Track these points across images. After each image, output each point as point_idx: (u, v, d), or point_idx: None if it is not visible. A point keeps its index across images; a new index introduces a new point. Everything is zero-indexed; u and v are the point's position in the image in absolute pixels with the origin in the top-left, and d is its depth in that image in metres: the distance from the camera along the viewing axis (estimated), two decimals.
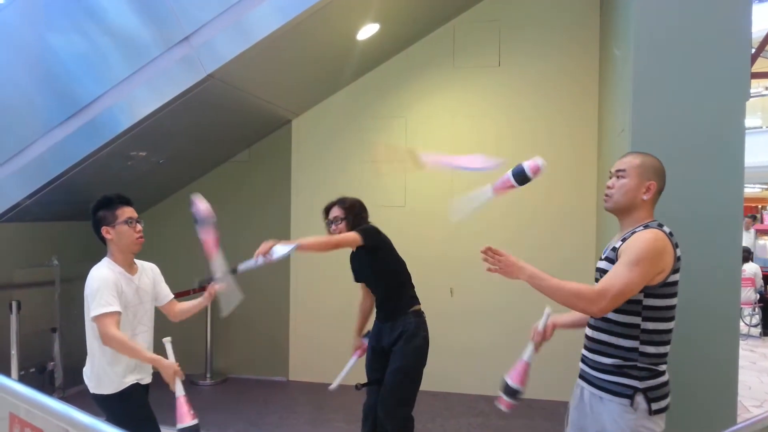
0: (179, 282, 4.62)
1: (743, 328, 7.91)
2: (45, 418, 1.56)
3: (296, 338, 5.37)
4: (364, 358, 3.32)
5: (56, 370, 4.70)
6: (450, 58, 4.98)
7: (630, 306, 1.86)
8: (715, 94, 2.59)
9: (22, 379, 4.03)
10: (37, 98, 3.98)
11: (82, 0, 3.78)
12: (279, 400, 4.83)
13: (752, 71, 3.83)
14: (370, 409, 3.15)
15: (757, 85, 14.66)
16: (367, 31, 4.34)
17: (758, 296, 8.23)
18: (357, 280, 3.28)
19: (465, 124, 4.96)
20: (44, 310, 4.67)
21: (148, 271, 2.62)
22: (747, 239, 10.57)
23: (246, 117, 4.89)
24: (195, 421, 2.24)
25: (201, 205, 2.52)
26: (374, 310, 3.27)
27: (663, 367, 1.91)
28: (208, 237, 2.51)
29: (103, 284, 2.33)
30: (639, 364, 1.87)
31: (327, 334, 5.21)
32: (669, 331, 1.92)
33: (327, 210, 3.19)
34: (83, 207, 2.51)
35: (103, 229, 2.44)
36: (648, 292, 1.85)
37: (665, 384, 1.91)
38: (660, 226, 1.91)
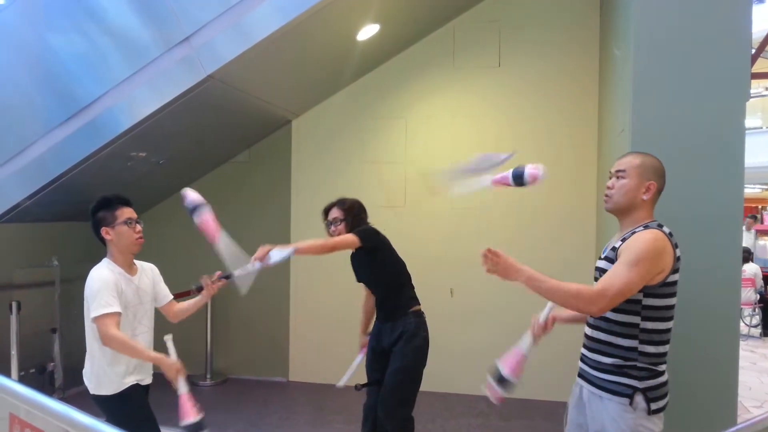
0: (179, 283, 4.61)
1: (743, 328, 7.91)
2: (45, 418, 1.56)
3: (296, 339, 5.37)
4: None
5: (56, 370, 4.70)
6: (450, 58, 4.98)
7: (629, 305, 1.87)
8: (715, 94, 2.59)
9: (22, 380, 4.01)
10: (38, 98, 3.98)
11: (82, 0, 3.78)
12: (279, 401, 4.83)
13: (752, 71, 3.83)
14: (370, 410, 3.15)
15: (757, 86, 14.66)
16: (367, 31, 4.34)
17: (758, 297, 8.22)
18: (358, 280, 3.29)
19: (465, 124, 4.96)
20: (44, 310, 4.67)
21: (148, 271, 2.62)
22: (747, 240, 10.57)
23: (246, 117, 4.89)
24: (200, 416, 2.22)
25: (190, 194, 2.53)
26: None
27: (662, 367, 1.92)
28: (205, 222, 2.51)
29: (103, 285, 2.33)
30: (639, 364, 1.87)
31: (327, 335, 5.21)
32: (668, 330, 1.92)
33: (326, 211, 3.19)
34: (83, 207, 2.51)
35: (103, 230, 2.44)
36: (647, 291, 1.85)
37: (664, 384, 1.92)
38: (660, 226, 1.92)
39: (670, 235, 1.89)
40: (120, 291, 2.38)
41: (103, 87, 3.82)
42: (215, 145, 5.19)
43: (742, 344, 6.88)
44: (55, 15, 3.85)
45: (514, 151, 2.28)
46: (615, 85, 3.61)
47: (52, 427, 1.52)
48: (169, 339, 2.42)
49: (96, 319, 2.28)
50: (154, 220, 5.16)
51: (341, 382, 3.31)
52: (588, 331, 2.03)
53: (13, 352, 4.17)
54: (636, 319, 1.87)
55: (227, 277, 2.61)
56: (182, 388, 2.26)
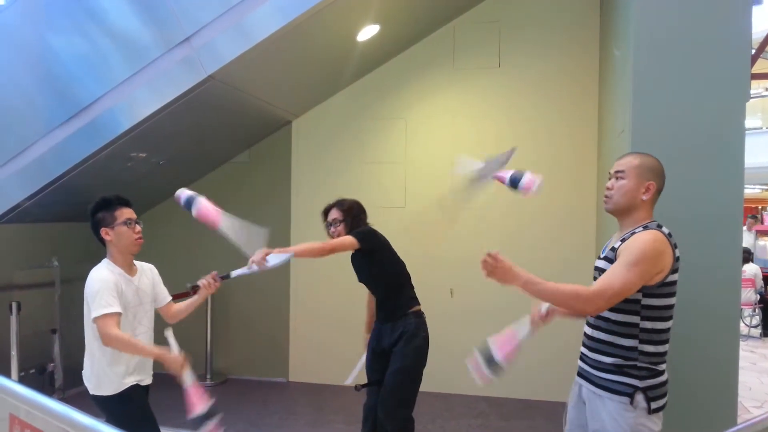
0: (179, 283, 4.62)
1: (743, 328, 7.91)
2: (45, 419, 1.56)
3: (296, 339, 5.37)
4: None
5: (56, 371, 4.70)
6: (450, 58, 4.98)
7: (629, 305, 1.88)
8: (715, 94, 2.59)
9: (22, 380, 4.02)
10: (38, 99, 3.98)
11: (82, 1, 3.78)
12: (279, 401, 4.83)
13: (752, 72, 3.83)
14: (370, 410, 3.15)
15: (757, 86, 14.67)
16: (367, 32, 4.34)
17: (758, 297, 8.22)
18: (359, 280, 3.29)
19: (465, 124, 4.96)
20: (44, 311, 4.67)
21: (147, 272, 2.62)
22: (747, 240, 10.57)
23: (246, 118, 4.89)
24: (209, 404, 2.21)
25: (183, 191, 2.53)
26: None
27: (662, 367, 1.92)
28: (203, 210, 2.51)
29: (104, 285, 2.33)
30: (639, 364, 1.88)
31: (327, 335, 5.21)
32: (667, 330, 1.93)
33: (326, 212, 3.19)
34: (83, 208, 2.51)
35: (102, 231, 2.44)
36: (646, 291, 1.86)
37: (664, 383, 1.92)
38: (659, 227, 1.92)
39: (669, 236, 1.89)
40: (120, 291, 2.38)
41: (103, 87, 3.82)
42: (215, 145, 5.19)
43: (742, 344, 6.88)
44: (56, 15, 3.85)
45: (514, 148, 2.28)
46: (615, 86, 3.61)
47: (52, 427, 1.52)
48: (169, 333, 2.41)
49: (96, 320, 2.28)
50: (154, 221, 5.17)
51: (348, 380, 3.30)
52: (588, 330, 2.04)
53: (13, 352, 4.18)
54: (635, 319, 1.88)
55: (225, 277, 2.61)
56: (188, 380, 2.25)
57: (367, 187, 5.03)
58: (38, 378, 4.56)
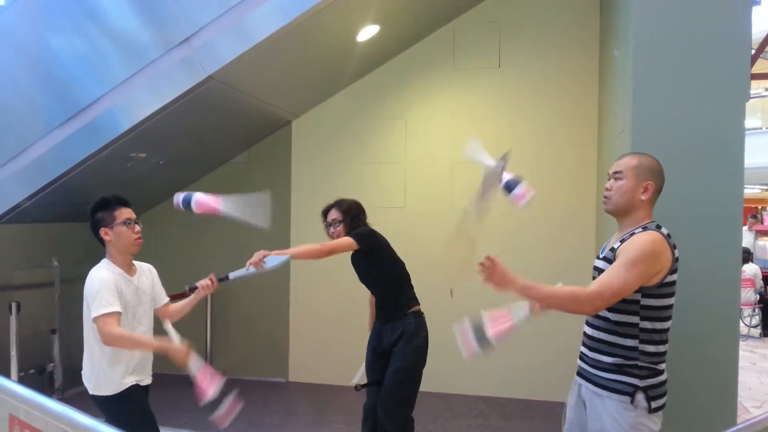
0: (178, 283, 4.61)
1: (743, 328, 7.91)
2: (44, 419, 1.56)
3: (296, 339, 5.37)
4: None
5: (56, 371, 4.70)
6: (450, 59, 4.98)
7: (628, 306, 1.88)
8: (715, 94, 2.59)
9: (22, 381, 4.02)
10: (38, 99, 3.99)
11: (82, 1, 3.78)
12: (279, 401, 4.83)
13: (752, 72, 3.83)
14: (370, 410, 3.15)
15: (757, 86, 14.68)
16: (367, 32, 4.34)
17: (758, 297, 8.23)
18: (360, 280, 3.28)
19: (465, 125, 4.96)
20: (44, 311, 4.67)
21: (147, 272, 2.62)
22: (747, 240, 10.58)
23: (246, 118, 4.89)
24: (221, 383, 2.18)
25: (178, 197, 2.54)
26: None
27: (662, 366, 1.93)
28: (202, 203, 2.51)
29: (104, 285, 2.33)
30: (640, 363, 1.88)
31: (327, 335, 5.21)
32: (666, 330, 1.93)
33: (325, 212, 3.19)
34: (83, 208, 2.51)
35: (102, 231, 2.44)
36: (645, 292, 1.86)
37: (664, 383, 1.93)
38: (658, 227, 1.92)
39: (668, 236, 1.90)
40: (120, 291, 2.38)
41: (103, 88, 3.82)
42: (215, 145, 5.19)
43: (742, 344, 6.88)
44: (56, 16, 3.85)
45: (507, 153, 2.26)
46: (615, 86, 3.61)
47: (52, 427, 1.52)
48: (169, 326, 2.41)
49: (97, 319, 2.28)
50: (154, 221, 5.17)
51: (354, 380, 3.28)
52: (588, 330, 2.04)
53: (13, 352, 4.17)
54: (635, 319, 1.88)
55: (223, 279, 2.61)
56: (194, 369, 2.24)
57: (366, 187, 5.03)
58: (38, 378, 4.56)
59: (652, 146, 2.34)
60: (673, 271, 1.89)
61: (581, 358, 2.07)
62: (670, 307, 1.92)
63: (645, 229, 1.91)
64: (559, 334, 4.33)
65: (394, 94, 5.13)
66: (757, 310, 8.23)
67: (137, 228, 2.49)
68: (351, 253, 3.13)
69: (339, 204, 3.15)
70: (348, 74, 5.00)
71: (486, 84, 4.94)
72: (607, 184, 2.04)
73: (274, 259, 2.54)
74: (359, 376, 3.27)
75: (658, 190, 1.99)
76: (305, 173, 5.34)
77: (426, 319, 3.15)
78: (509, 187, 2.26)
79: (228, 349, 5.44)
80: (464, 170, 4.91)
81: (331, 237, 3.13)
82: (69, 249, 4.70)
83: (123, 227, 2.44)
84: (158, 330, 2.57)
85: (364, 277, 3.21)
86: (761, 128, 15.14)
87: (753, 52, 7.28)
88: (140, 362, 2.49)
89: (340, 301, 5.09)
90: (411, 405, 3.07)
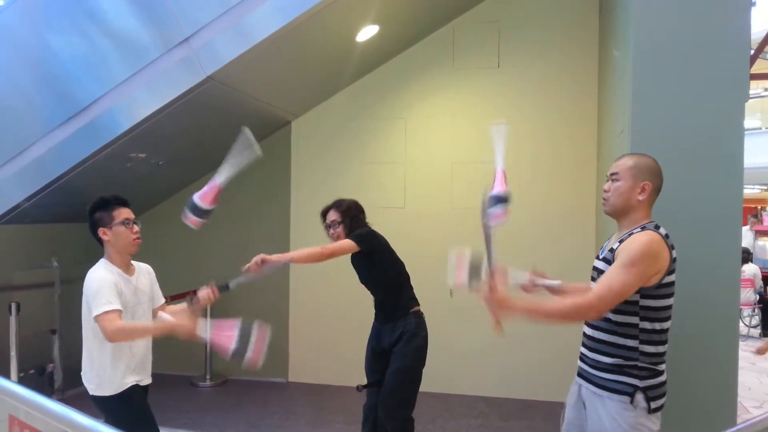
0: (178, 283, 4.63)
1: (743, 329, 7.92)
2: (44, 419, 1.56)
3: (296, 339, 5.37)
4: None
5: (56, 371, 4.70)
6: (450, 59, 4.99)
7: (627, 306, 1.88)
8: (714, 95, 2.59)
9: (22, 381, 4.01)
10: (37, 99, 3.98)
11: (82, 1, 3.78)
12: (279, 402, 4.83)
13: (751, 72, 3.83)
14: (370, 411, 3.15)
15: (756, 87, 14.67)
16: (367, 32, 4.34)
17: (758, 297, 8.23)
18: (360, 281, 3.28)
19: (465, 124, 4.96)
20: (44, 311, 4.67)
21: (145, 272, 2.62)
22: (747, 240, 10.59)
23: (245, 118, 4.86)
24: (238, 330, 2.10)
25: (186, 216, 2.51)
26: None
27: (662, 367, 1.93)
28: (204, 196, 2.50)
29: (103, 284, 2.33)
30: (640, 364, 1.88)
31: (327, 335, 5.21)
32: (666, 330, 1.93)
33: (324, 213, 3.18)
34: (83, 209, 2.51)
35: (100, 231, 2.44)
36: (644, 293, 1.87)
37: (664, 383, 1.93)
38: (656, 227, 1.93)
39: (666, 237, 1.90)
40: (119, 291, 2.37)
41: (102, 88, 3.82)
42: (215, 146, 5.16)
43: (742, 344, 6.88)
44: (55, 16, 3.85)
45: (487, 192, 2.22)
46: (614, 86, 3.61)
47: (52, 428, 1.52)
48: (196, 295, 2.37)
49: (98, 317, 2.27)
50: (154, 221, 5.17)
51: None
52: (588, 330, 2.04)
53: (13, 353, 4.17)
54: (634, 320, 1.88)
55: (223, 288, 2.59)
56: (206, 332, 2.16)
57: (366, 187, 5.03)
58: (38, 379, 4.56)
59: (651, 146, 2.35)
60: (671, 271, 1.89)
61: (581, 359, 2.07)
62: (669, 307, 1.92)
63: (643, 229, 1.92)
64: (558, 334, 4.34)
65: (394, 94, 5.13)
66: (756, 310, 8.24)
67: (136, 228, 2.48)
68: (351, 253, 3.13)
69: (338, 205, 3.14)
70: (348, 74, 5.00)
71: (486, 84, 4.94)
72: (605, 186, 2.05)
73: (272, 266, 2.51)
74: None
75: (657, 190, 1.99)
76: (305, 173, 5.34)
77: (426, 319, 3.15)
78: (494, 200, 2.23)
79: None
80: (464, 170, 4.91)
81: (331, 238, 3.12)
82: (69, 249, 4.70)
83: (121, 227, 2.43)
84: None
85: (364, 277, 3.21)
86: (761, 128, 15.14)
87: (752, 52, 7.28)
88: (140, 362, 2.49)
89: (340, 301, 5.10)
90: (411, 405, 3.07)
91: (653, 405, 1.86)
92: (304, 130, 5.34)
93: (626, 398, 1.87)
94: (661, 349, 1.91)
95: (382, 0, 4.08)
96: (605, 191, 2.04)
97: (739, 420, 2.63)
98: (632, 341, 1.89)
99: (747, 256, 8.53)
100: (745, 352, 6.94)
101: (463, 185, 4.91)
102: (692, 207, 2.56)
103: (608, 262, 1.94)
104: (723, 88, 2.58)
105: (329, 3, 3.51)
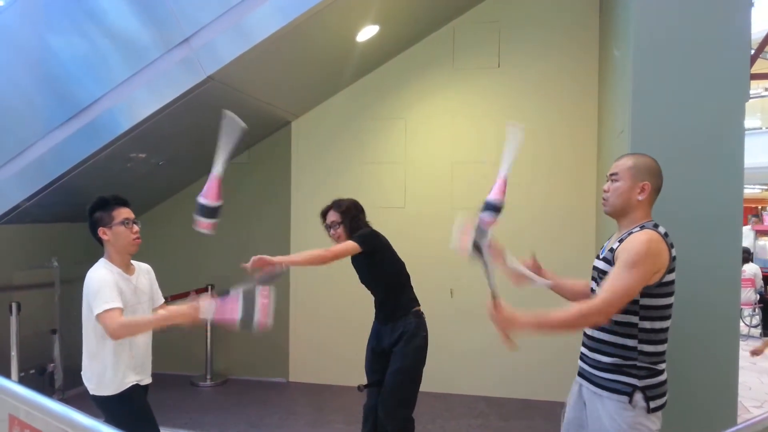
0: (179, 284, 4.63)
1: (743, 328, 7.92)
2: (45, 419, 1.56)
3: (296, 339, 5.37)
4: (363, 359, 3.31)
5: (56, 371, 4.70)
6: (450, 59, 4.98)
7: (627, 305, 1.88)
8: (714, 95, 2.59)
9: (22, 381, 4.01)
10: (37, 100, 3.98)
11: (82, 1, 3.78)
12: (279, 402, 4.83)
13: (752, 72, 3.83)
14: (370, 410, 3.15)
15: (756, 86, 14.67)
16: (367, 32, 4.34)
17: (758, 297, 8.23)
18: (361, 281, 3.28)
19: (465, 124, 4.96)
20: (44, 311, 4.67)
21: (145, 272, 2.62)
22: (747, 240, 10.59)
23: (245, 118, 4.81)
24: (240, 299, 2.04)
25: (199, 222, 2.49)
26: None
27: (662, 366, 1.93)
28: (208, 189, 2.49)
29: (104, 283, 2.33)
30: (639, 363, 1.89)
31: (327, 335, 5.21)
32: (665, 330, 1.93)
33: (323, 214, 3.18)
34: (83, 208, 2.51)
35: (100, 230, 2.44)
36: (644, 291, 1.87)
37: (664, 383, 1.93)
38: (655, 226, 1.93)
39: (665, 235, 1.90)
40: (120, 290, 2.38)
41: (102, 88, 3.82)
42: (215, 146, 5.16)
43: (742, 344, 6.87)
44: (55, 16, 3.85)
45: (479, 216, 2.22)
46: (615, 86, 3.61)
47: (52, 428, 1.52)
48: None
49: (100, 315, 2.27)
50: (154, 222, 5.17)
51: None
52: (588, 330, 2.04)
53: (13, 353, 4.17)
54: (634, 319, 1.88)
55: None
56: (209, 314, 2.11)
57: (366, 187, 5.03)
58: (38, 378, 4.56)
59: (651, 146, 2.35)
60: (671, 270, 1.89)
61: (581, 359, 2.08)
62: (669, 306, 1.92)
63: (642, 228, 1.91)
64: (559, 336, 4.33)
65: (394, 94, 5.13)
66: (757, 310, 8.23)
67: (135, 228, 2.48)
68: None
69: (337, 205, 3.14)
70: (348, 74, 5.00)
71: (486, 84, 4.94)
72: (605, 186, 2.05)
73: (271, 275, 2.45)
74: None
75: (656, 190, 1.99)
76: (305, 173, 5.34)
77: (426, 319, 3.15)
78: (485, 206, 2.22)
79: (228, 349, 5.44)
80: (464, 170, 4.91)
81: (332, 239, 3.12)
82: (69, 249, 4.70)
83: (121, 227, 2.43)
84: (157, 335, 2.57)
85: (365, 277, 3.21)
86: (761, 128, 15.14)
87: (752, 52, 7.28)
88: (141, 362, 2.49)
89: (340, 301, 5.10)
90: (411, 405, 3.07)
91: (652, 404, 1.86)
92: (304, 130, 5.34)
93: (625, 398, 1.87)
94: (660, 348, 1.91)
95: (382, 0, 4.08)
96: (605, 191, 2.04)
97: (739, 420, 2.62)
98: (631, 341, 1.89)
99: (747, 256, 8.52)
100: (746, 351, 6.94)
101: (463, 185, 4.91)
102: (692, 207, 2.56)
103: (608, 262, 1.94)
104: (723, 88, 2.58)
105: (329, 3, 3.51)
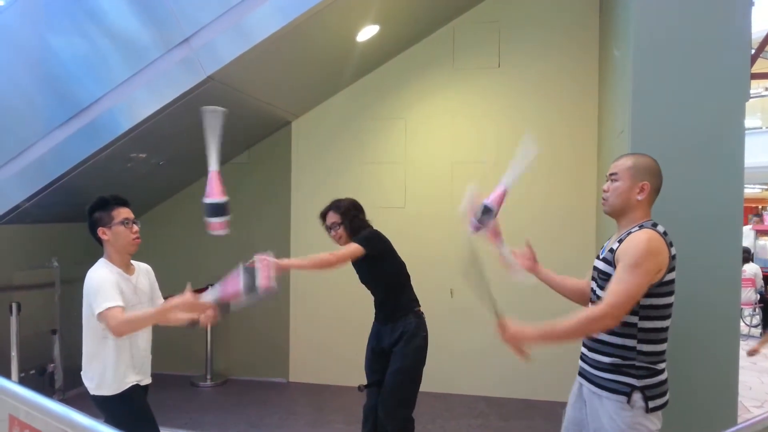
0: (179, 284, 4.62)
1: (744, 328, 7.92)
2: (45, 420, 1.56)
3: (296, 339, 5.37)
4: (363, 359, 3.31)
5: (56, 371, 4.70)
6: (450, 59, 4.98)
7: None
8: (714, 94, 2.59)
9: (22, 381, 4.02)
10: (38, 99, 3.98)
11: (82, 1, 3.78)
12: (279, 402, 4.83)
13: (752, 72, 3.83)
14: (370, 411, 3.15)
15: (756, 86, 14.67)
16: (367, 32, 4.34)
17: (758, 297, 8.23)
18: (361, 281, 3.28)
19: (465, 125, 4.96)
20: (44, 311, 4.67)
21: (145, 272, 2.62)
22: (747, 240, 10.58)
23: (246, 118, 4.89)
24: (242, 275, 2.08)
25: (212, 223, 2.49)
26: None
27: (662, 366, 1.93)
28: (210, 188, 2.49)
29: (105, 282, 2.33)
30: (637, 363, 1.89)
31: (327, 335, 5.21)
32: (665, 329, 1.93)
33: (323, 215, 3.17)
34: (83, 209, 2.51)
35: (100, 230, 2.44)
36: (645, 291, 1.86)
37: (663, 382, 1.93)
38: (654, 225, 1.93)
39: (664, 234, 1.90)
40: (120, 290, 2.38)
41: (103, 88, 3.82)
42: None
43: (743, 344, 6.88)
44: (56, 16, 3.85)
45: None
46: (615, 86, 3.61)
47: (52, 428, 1.52)
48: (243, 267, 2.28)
49: (102, 314, 2.26)
50: (154, 222, 5.17)
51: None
52: None
53: (13, 353, 4.17)
54: (634, 319, 1.88)
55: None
56: (212, 298, 2.14)
57: (366, 187, 5.03)
58: (38, 379, 4.56)
59: (651, 146, 2.35)
60: (671, 269, 1.89)
61: (582, 358, 2.08)
62: (669, 306, 1.92)
63: (641, 228, 1.91)
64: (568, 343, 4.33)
65: (394, 94, 5.13)
66: (757, 310, 8.23)
67: (135, 228, 2.48)
68: None
69: (336, 206, 3.13)
70: (348, 74, 5.00)
71: (486, 84, 4.94)
72: (605, 186, 2.06)
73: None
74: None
75: (656, 190, 2.00)
76: (305, 173, 5.34)
77: (426, 319, 3.15)
78: (481, 209, 2.26)
79: (228, 349, 5.44)
80: (464, 170, 4.91)
81: (333, 240, 3.12)
82: (69, 249, 4.70)
83: (121, 227, 2.43)
84: (157, 330, 2.56)
85: (365, 277, 3.21)
86: (761, 128, 15.13)
87: (753, 51, 7.27)
88: (140, 362, 2.49)
89: (340, 301, 5.10)
90: (411, 405, 3.07)
91: (651, 404, 1.86)
92: (304, 130, 5.34)
93: (623, 398, 1.87)
94: (660, 348, 1.91)
95: (382, 0, 4.08)
96: (604, 191, 2.04)
97: (739, 419, 2.62)
98: (630, 341, 1.89)
99: (748, 256, 8.52)
100: (746, 351, 6.95)
101: (463, 185, 4.84)
102: (692, 207, 2.56)
103: (608, 262, 1.94)
104: (723, 88, 2.58)
105: (329, 3, 3.51)
